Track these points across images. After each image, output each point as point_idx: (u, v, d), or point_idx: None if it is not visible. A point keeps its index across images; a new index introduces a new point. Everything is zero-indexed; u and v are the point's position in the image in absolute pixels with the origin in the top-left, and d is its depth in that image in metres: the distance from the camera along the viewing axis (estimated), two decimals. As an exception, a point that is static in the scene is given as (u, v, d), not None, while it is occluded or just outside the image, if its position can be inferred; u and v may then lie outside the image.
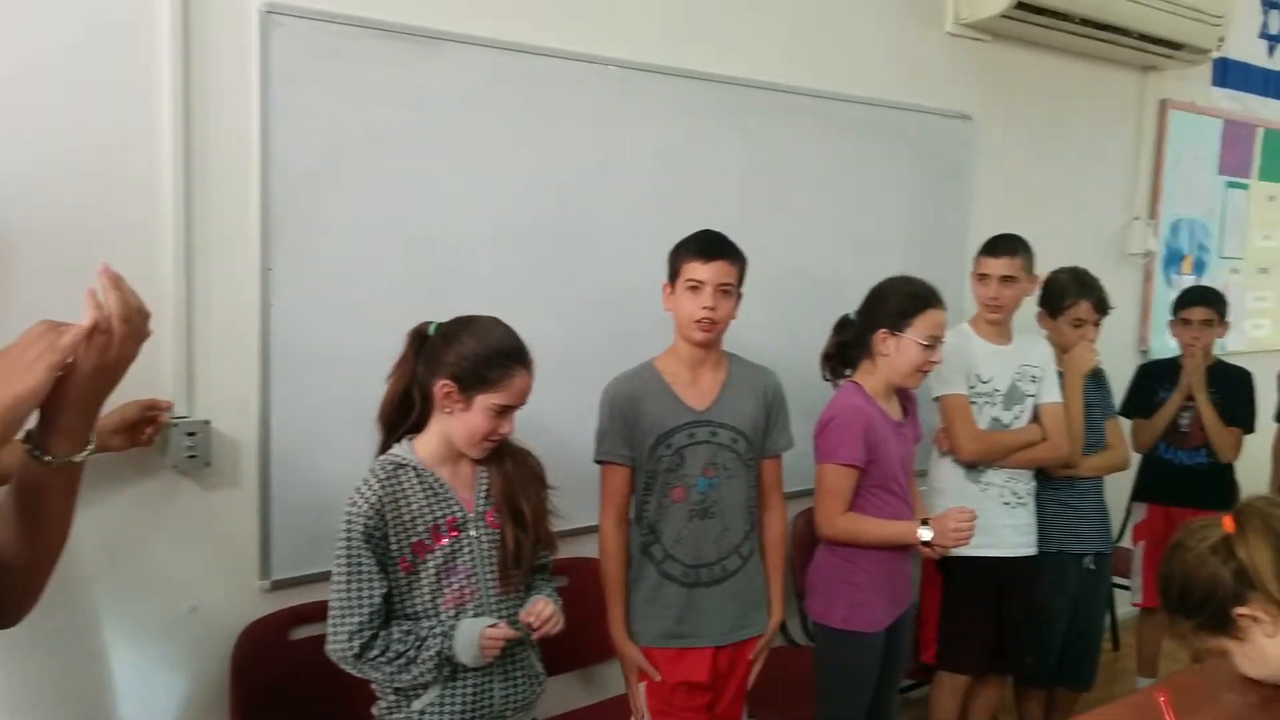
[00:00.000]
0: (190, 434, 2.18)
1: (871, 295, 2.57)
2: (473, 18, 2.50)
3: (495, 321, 1.92)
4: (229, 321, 2.24)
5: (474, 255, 2.55)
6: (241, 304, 2.24)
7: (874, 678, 2.54)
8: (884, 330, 2.48)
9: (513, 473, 1.97)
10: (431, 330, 1.92)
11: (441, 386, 1.85)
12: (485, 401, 1.86)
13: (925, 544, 2.43)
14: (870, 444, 2.45)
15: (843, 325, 2.62)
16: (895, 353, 2.47)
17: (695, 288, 2.22)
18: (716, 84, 2.95)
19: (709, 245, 2.24)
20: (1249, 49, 4.78)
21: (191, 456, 2.19)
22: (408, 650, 1.83)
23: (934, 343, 2.46)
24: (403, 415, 1.93)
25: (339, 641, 1.83)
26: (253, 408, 2.28)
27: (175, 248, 2.15)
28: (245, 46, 2.20)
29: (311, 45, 2.27)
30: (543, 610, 1.92)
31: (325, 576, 2.30)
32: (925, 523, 2.43)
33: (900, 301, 2.48)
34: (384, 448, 1.94)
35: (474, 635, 1.85)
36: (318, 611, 2.32)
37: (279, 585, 2.34)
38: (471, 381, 1.85)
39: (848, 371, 2.61)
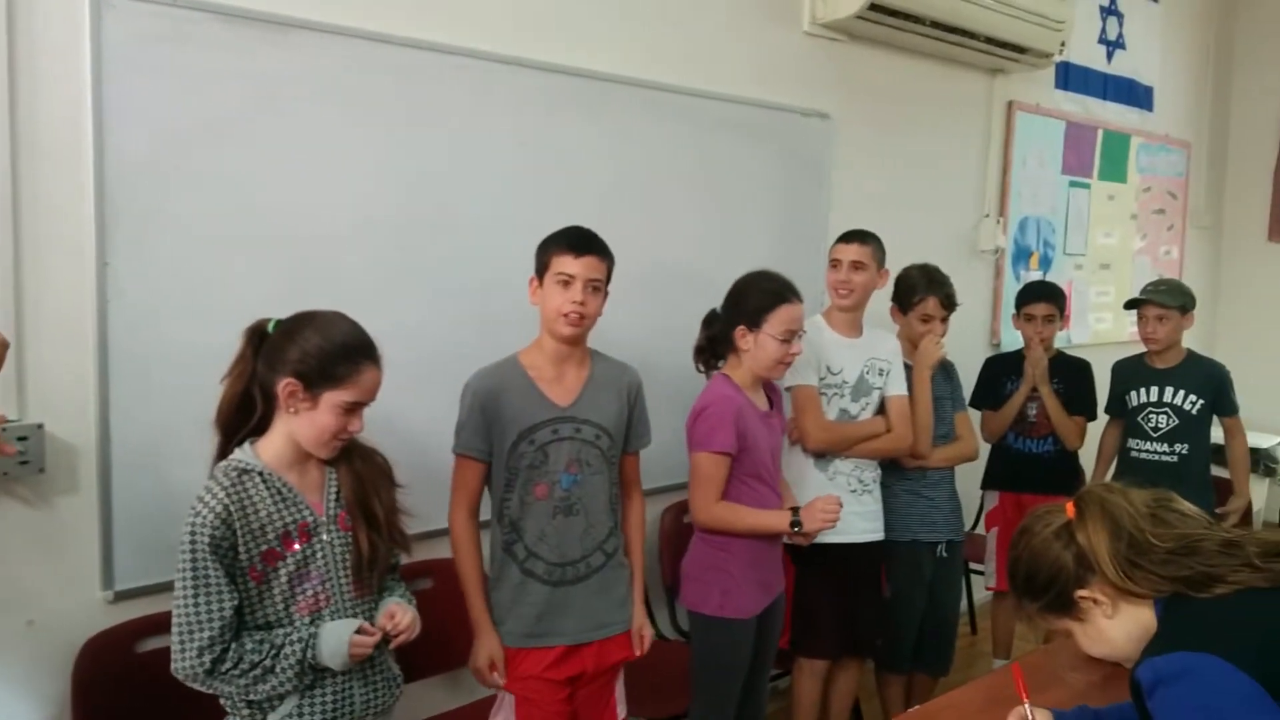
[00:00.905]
0: (21, 439, 2.06)
1: (731, 292, 2.63)
2: (322, 5, 2.43)
3: (339, 315, 1.86)
4: (62, 319, 2.12)
5: (329, 249, 2.48)
6: (76, 300, 2.13)
7: (746, 664, 2.59)
8: (742, 326, 2.55)
9: (363, 472, 1.92)
10: (271, 327, 1.85)
11: (285, 385, 1.78)
12: (333, 399, 1.80)
13: (796, 531, 2.49)
14: (741, 432, 2.51)
15: (710, 320, 2.69)
16: (755, 347, 2.54)
17: (565, 282, 2.21)
18: (577, 78, 2.94)
19: (580, 240, 2.24)
20: (1089, 54, 5.01)
21: (24, 462, 2.07)
22: (264, 660, 1.77)
23: (790, 337, 2.53)
24: (243, 418, 1.85)
25: (187, 658, 1.74)
26: (90, 410, 2.17)
27: (1, 241, 2.03)
28: (76, 31, 2.09)
29: (149, 30, 2.17)
30: (401, 619, 1.89)
31: (173, 586, 2.22)
32: (795, 510, 2.51)
33: (756, 298, 2.55)
34: (222, 452, 1.86)
35: (343, 639, 1.80)
36: (166, 622, 2.22)
37: (123, 596, 2.23)
38: (318, 379, 1.79)
39: (720, 364, 2.66)
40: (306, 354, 1.78)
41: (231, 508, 1.75)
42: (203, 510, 1.74)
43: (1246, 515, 3.81)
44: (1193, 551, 1.44)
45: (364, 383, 1.83)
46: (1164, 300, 3.60)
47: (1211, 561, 1.42)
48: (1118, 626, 1.50)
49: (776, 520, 2.53)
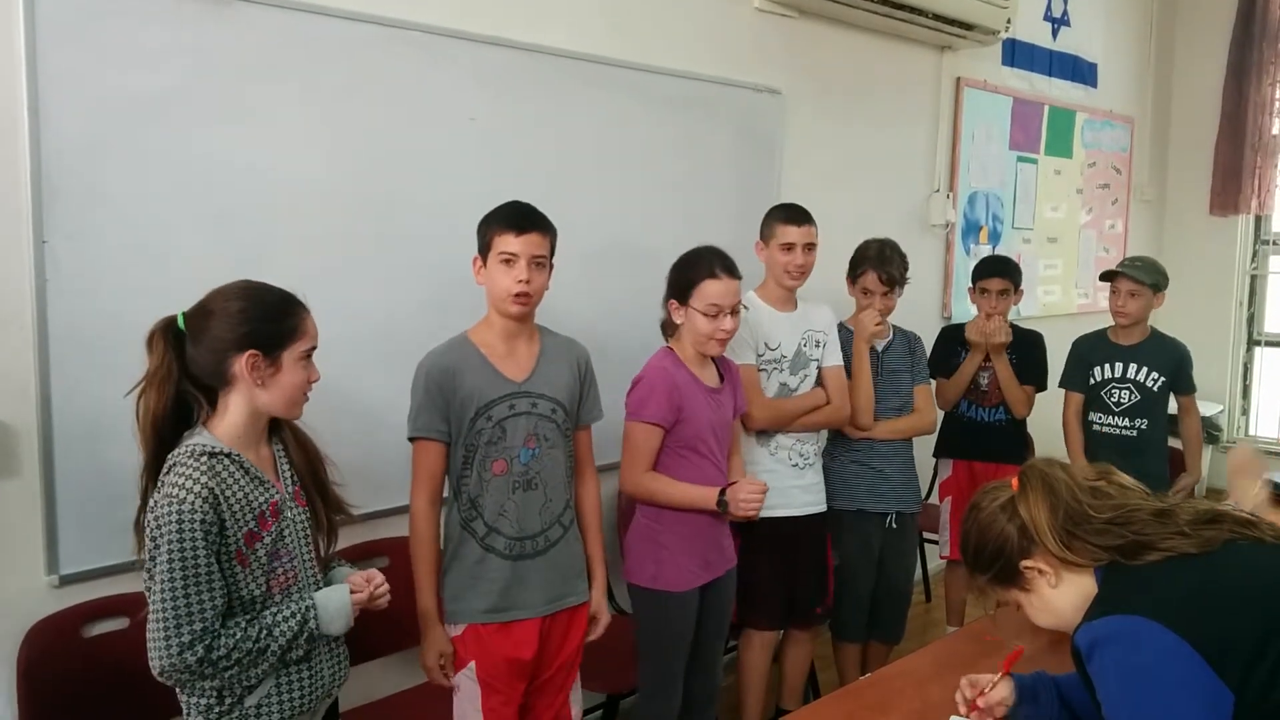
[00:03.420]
0: (-43, 422, 2.02)
1: (671, 267, 2.65)
2: (263, -23, 2.38)
3: (245, 280, 1.83)
4: (-2, 299, 2.08)
5: (276, 226, 2.44)
6: (13, 279, 2.09)
7: (686, 636, 2.63)
8: (674, 301, 2.60)
9: (306, 444, 1.92)
10: (180, 323, 1.79)
11: (247, 359, 1.74)
12: (293, 355, 1.79)
13: (724, 512, 2.54)
14: (675, 405, 2.53)
15: None
16: (686, 322, 2.58)
17: (508, 260, 2.20)
18: (530, 53, 2.91)
19: (520, 217, 2.23)
20: (1034, 31, 5.06)
21: (-39, 447, 2.03)
22: (257, 644, 1.72)
23: (717, 312, 2.52)
24: (182, 421, 1.79)
25: (170, 656, 1.65)
26: (31, 392, 2.12)
27: (-66, 220, 1.98)
28: (8, 6, 2.03)
29: (84, 6, 2.12)
30: (379, 577, 1.92)
31: (121, 569, 2.19)
32: (723, 491, 2.53)
33: (685, 273, 2.58)
34: (153, 465, 1.75)
35: (345, 602, 1.83)
36: (114, 606, 2.21)
37: (69, 580, 2.19)
38: (273, 341, 1.77)
39: None
40: (249, 321, 1.75)
41: (214, 489, 1.70)
42: (187, 496, 1.67)
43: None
44: (1127, 521, 1.49)
45: (309, 328, 1.84)
46: (1139, 276, 3.63)
47: (1144, 530, 1.48)
48: (1062, 596, 1.55)
49: (702, 497, 2.55)
